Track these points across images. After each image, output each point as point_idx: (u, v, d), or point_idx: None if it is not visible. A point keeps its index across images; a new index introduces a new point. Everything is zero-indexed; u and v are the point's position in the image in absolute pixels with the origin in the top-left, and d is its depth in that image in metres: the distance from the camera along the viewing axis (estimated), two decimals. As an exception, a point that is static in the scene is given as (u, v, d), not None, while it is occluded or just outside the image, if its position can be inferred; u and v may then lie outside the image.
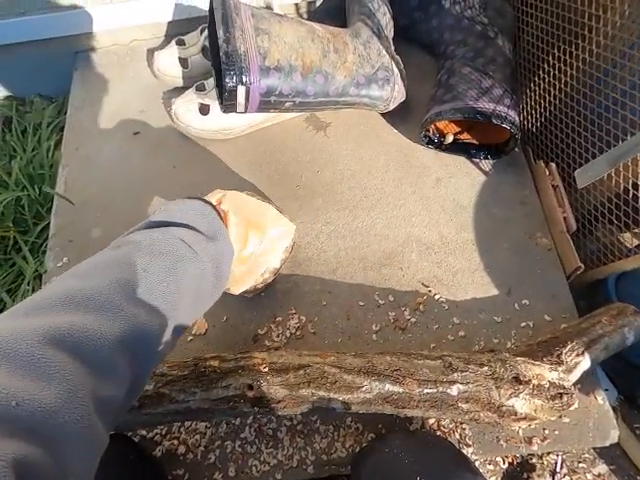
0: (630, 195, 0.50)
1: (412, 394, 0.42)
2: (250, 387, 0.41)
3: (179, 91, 0.72)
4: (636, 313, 0.49)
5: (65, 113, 0.80)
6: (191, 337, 0.57)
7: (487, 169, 0.64)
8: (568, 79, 0.58)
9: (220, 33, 0.49)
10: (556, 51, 0.59)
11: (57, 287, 0.28)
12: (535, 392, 0.43)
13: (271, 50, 0.51)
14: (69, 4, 0.72)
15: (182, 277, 0.33)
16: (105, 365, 0.26)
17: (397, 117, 0.68)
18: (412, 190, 0.64)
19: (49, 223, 0.67)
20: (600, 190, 0.55)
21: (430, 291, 0.57)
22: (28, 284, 0.61)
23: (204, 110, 0.65)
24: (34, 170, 0.72)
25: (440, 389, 0.42)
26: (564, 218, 0.56)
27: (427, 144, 0.64)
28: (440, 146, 0.64)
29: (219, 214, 0.41)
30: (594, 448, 0.64)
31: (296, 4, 0.76)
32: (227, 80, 0.49)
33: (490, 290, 0.57)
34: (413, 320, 0.56)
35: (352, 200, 0.64)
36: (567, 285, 0.57)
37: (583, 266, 0.52)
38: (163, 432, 0.52)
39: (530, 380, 0.43)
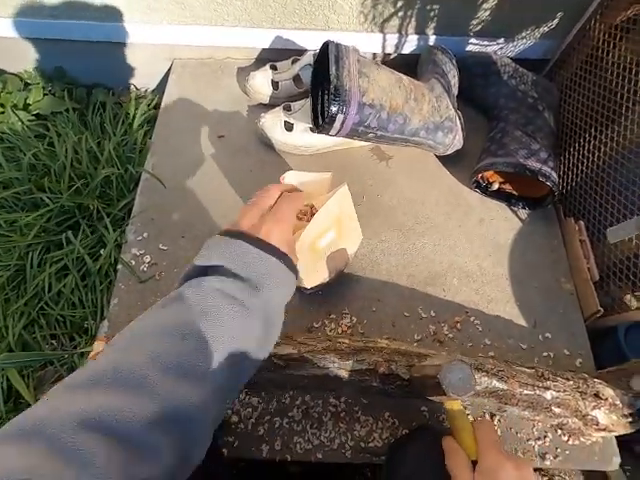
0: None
1: (514, 392, 0.49)
2: (381, 364, 0.48)
3: (263, 107, 0.83)
4: None
5: (155, 108, 0.90)
6: (253, 320, 0.63)
7: (523, 217, 0.75)
8: (598, 152, 0.69)
9: (332, 70, 0.60)
10: (592, 129, 0.71)
11: (100, 363, 0.30)
12: (612, 409, 0.51)
13: (368, 90, 0.62)
14: (190, 18, 0.83)
15: (223, 338, 0.32)
16: (140, 447, 0.26)
17: (450, 161, 0.78)
18: (458, 224, 0.73)
19: (131, 200, 0.75)
20: (620, 249, 0.64)
21: (467, 313, 0.65)
22: (110, 254, 0.68)
23: (289, 127, 0.75)
24: (124, 152, 0.80)
25: (537, 392, 0.49)
26: (588, 268, 0.65)
27: (475, 188, 0.75)
28: (485, 191, 0.75)
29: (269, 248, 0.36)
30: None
31: (374, 54, 0.88)
32: (332, 108, 0.59)
33: (519, 320, 0.65)
34: (450, 335, 0.63)
35: (405, 224, 0.73)
36: (584, 326, 0.65)
37: (602, 310, 0.61)
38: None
39: (607, 398, 0.51)
